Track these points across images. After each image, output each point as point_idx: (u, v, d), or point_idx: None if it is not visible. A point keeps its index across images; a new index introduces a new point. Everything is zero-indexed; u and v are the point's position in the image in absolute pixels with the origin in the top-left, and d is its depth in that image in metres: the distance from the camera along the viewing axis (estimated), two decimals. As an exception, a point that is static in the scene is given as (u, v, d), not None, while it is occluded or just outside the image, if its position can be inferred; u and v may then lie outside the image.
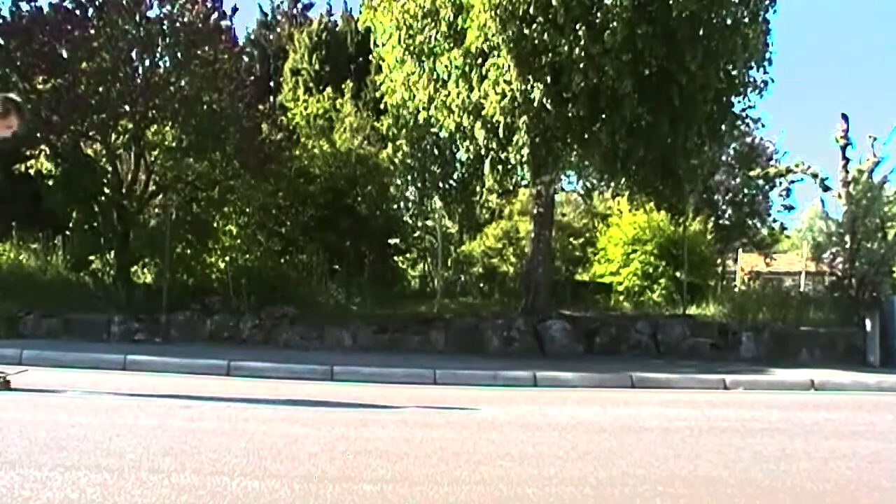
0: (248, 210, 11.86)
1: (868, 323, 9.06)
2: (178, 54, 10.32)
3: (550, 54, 8.42)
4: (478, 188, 10.91)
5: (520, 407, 5.26)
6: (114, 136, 10.41)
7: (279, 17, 24.93)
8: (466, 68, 9.14)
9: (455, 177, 10.88)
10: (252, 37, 23.65)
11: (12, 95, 5.18)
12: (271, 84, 20.91)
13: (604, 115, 8.76)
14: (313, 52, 20.54)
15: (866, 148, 10.74)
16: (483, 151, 9.39)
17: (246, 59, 15.50)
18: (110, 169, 10.60)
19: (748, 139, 19.24)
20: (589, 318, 10.17)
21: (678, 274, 13.07)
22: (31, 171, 10.80)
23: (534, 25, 8.36)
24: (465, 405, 5.23)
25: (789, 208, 21.43)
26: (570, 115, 8.61)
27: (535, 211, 11.01)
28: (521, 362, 7.85)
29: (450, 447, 3.67)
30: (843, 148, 10.68)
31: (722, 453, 3.70)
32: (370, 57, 13.24)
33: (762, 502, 2.82)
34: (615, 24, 8.08)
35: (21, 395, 4.79)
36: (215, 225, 11.62)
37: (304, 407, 4.93)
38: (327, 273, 11.26)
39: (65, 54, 9.84)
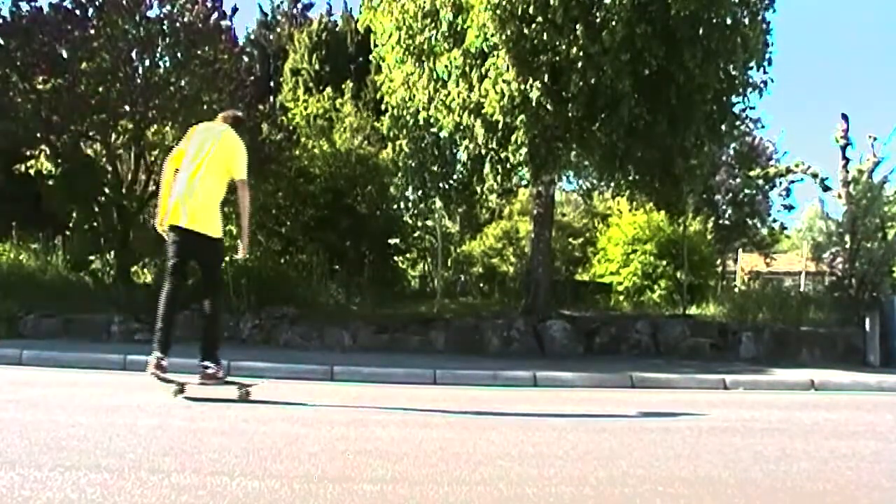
0: (248, 210, 11.84)
1: (868, 323, 9.06)
2: (178, 54, 10.33)
3: (549, 54, 8.42)
4: (478, 188, 10.91)
5: (519, 407, 5.25)
6: (114, 136, 10.42)
7: (279, 17, 24.96)
8: (466, 68, 9.14)
9: (455, 177, 10.88)
10: (252, 37, 23.68)
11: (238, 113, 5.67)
12: (271, 84, 20.93)
13: (603, 115, 8.75)
14: (313, 52, 20.57)
15: (866, 148, 10.75)
16: (483, 151, 9.40)
17: (246, 59, 15.48)
18: (110, 169, 10.61)
19: (748, 139, 19.27)
20: (589, 318, 10.16)
21: (678, 274, 13.09)
22: (31, 171, 10.81)
23: (533, 25, 8.36)
24: (466, 405, 5.23)
25: (789, 208, 21.52)
26: (569, 114, 8.61)
27: (535, 211, 11.01)
28: (521, 362, 7.85)
29: (450, 447, 3.67)
30: (843, 148, 10.68)
31: (722, 453, 3.69)
32: (370, 57, 13.21)
33: (762, 502, 2.82)
34: (614, 23, 8.07)
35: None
36: (215, 225, 11.60)
37: (304, 407, 4.93)
38: (327, 273, 11.26)
39: (65, 54, 9.85)
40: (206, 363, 4.98)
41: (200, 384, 4.95)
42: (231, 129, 5.21)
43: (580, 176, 11.74)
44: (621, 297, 14.20)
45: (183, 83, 10.35)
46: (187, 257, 5.08)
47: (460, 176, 10.81)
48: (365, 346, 8.99)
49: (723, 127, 9.47)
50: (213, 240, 4.96)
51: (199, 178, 4.92)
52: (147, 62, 10.45)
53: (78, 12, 9.87)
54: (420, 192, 11.00)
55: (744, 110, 10.24)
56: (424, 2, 9.37)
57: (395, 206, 13.31)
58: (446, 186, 10.90)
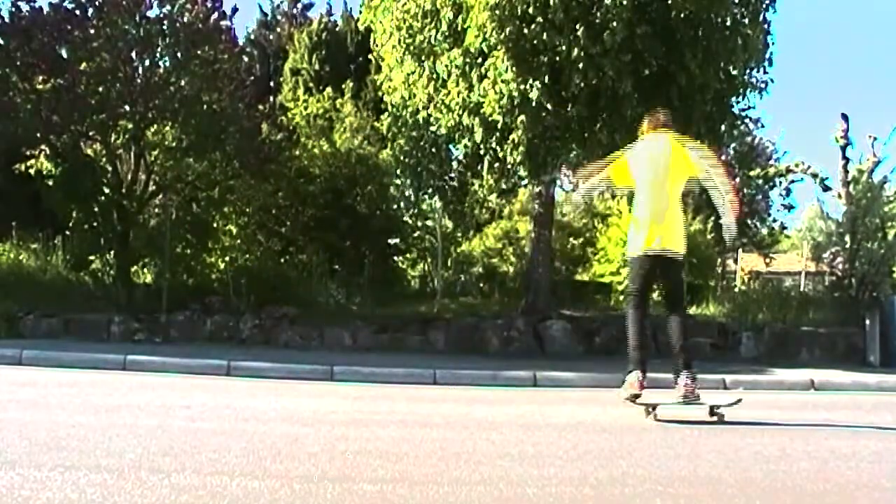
0: (248, 210, 11.86)
1: (868, 323, 9.06)
2: (178, 54, 10.32)
3: (549, 54, 8.42)
4: (476, 187, 10.90)
5: (519, 407, 5.26)
6: (114, 136, 10.41)
7: (279, 17, 24.96)
8: (466, 68, 9.13)
9: (453, 175, 10.87)
10: (252, 37, 23.66)
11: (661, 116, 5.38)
12: (271, 84, 20.91)
13: (603, 115, 8.75)
14: (313, 52, 20.56)
15: (866, 148, 10.76)
16: (482, 150, 9.39)
17: (246, 59, 15.48)
18: (110, 169, 10.60)
19: (748, 139, 19.27)
20: (589, 318, 10.16)
21: (678, 274, 13.03)
22: (31, 171, 10.81)
23: (532, 25, 8.35)
24: (466, 405, 5.23)
25: (789, 208, 21.52)
26: (569, 115, 8.61)
27: (535, 211, 11.01)
28: (521, 362, 7.85)
29: (450, 447, 3.67)
30: (843, 148, 10.68)
31: (722, 453, 3.69)
32: (370, 57, 13.23)
33: (762, 502, 2.82)
34: (614, 24, 8.06)
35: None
36: (215, 225, 11.63)
37: (304, 407, 4.92)
38: (327, 273, 11.26)
39: (65, 54, 9.85)
40: (688, 378, 4.82)
41: (684, 402, 4.76)
42: (669, 133, 5.17)
43: (580, 176, 11.71)
44: (621, 297, 14.17)
45: (183, 83, 10.34)
46: (653, 283, 5.29)
47: (458, 175, 10.80)
48: (365, 346, 8.99)
49: (722, 127, 9.47)
50: (679, 258, 5.04)
51: (665, 203, 4.92)
52: (147, 62, 10.43)
53: (78, 12, 9.86)
54: (418, 191, 10.99)
55: (744, 110, 10.25)
56: (424, 1, 9.36)
57: (395, 206, 13.29)
58: (444, 186, 10.89)
